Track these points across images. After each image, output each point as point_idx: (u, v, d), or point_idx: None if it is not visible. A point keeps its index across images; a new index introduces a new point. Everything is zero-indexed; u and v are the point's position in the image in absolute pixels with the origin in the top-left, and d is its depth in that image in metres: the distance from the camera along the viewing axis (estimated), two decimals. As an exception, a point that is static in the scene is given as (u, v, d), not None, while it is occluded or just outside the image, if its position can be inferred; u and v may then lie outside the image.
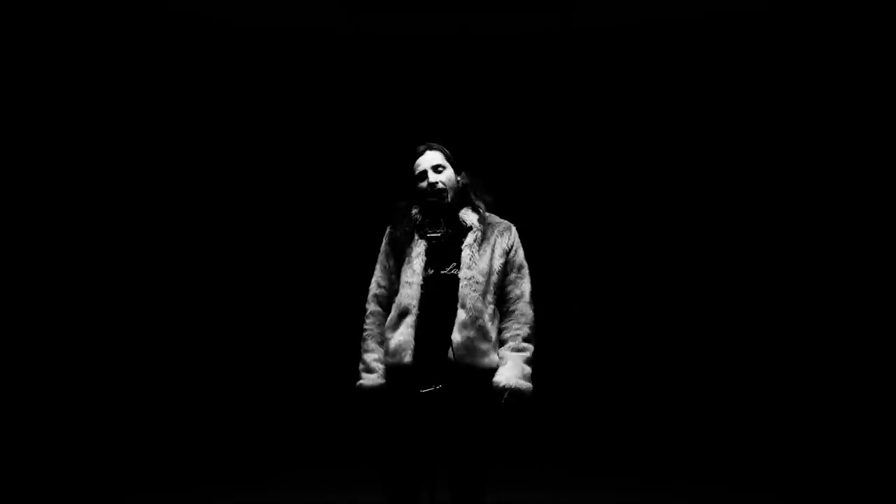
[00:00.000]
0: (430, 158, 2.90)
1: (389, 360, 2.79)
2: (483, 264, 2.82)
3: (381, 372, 2.84)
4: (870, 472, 4.59)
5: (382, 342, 2.86)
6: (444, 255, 2.82)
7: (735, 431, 5.12)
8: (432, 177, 2.87)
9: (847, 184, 5.11)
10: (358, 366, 2.88)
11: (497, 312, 2.85)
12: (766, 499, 4.44)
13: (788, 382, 5.15)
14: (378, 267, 2.97)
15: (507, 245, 2.90)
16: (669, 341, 5.35)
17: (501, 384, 2.73)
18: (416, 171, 2.90)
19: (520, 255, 2.92)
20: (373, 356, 2.87)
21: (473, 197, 2.95)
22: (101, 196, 5.20)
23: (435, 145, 2.94)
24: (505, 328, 2.85)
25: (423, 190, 2.87)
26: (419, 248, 2.85)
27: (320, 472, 4.95)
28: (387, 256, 2.94)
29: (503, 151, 5.36)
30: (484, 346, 2.76)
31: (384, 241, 2.97)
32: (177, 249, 5.35)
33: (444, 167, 2.90)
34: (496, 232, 2.90)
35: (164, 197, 5.36)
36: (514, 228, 2.96)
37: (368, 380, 2.84)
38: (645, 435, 5.23)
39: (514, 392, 2.73)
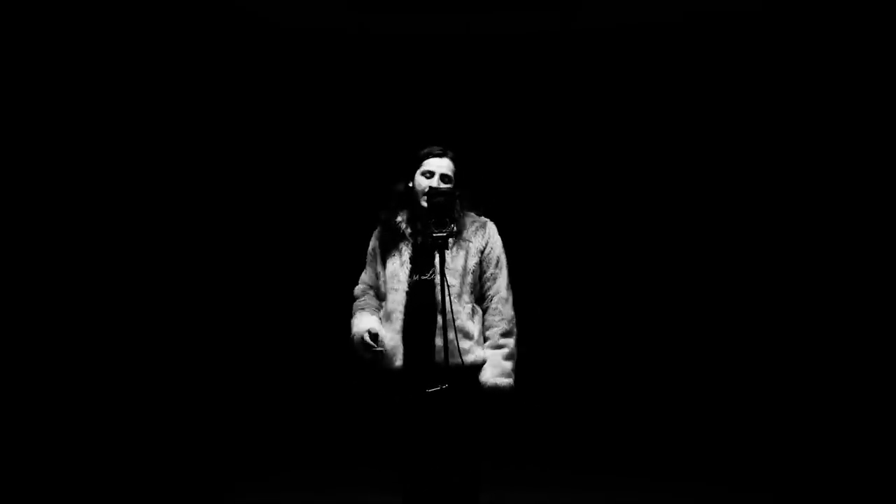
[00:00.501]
0: (443, 165, 2.98)
1: (382, 362, 2.91)
2: (458, 266, 2.91)
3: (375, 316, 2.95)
4: (869, 473, 4.59)
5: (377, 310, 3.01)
6: (425, 261, 2.92)
7: (735, 431, 5.13)
8: (436, 182, 2.94)
9: (846, 183, 5.11)
10: (350, 331, 2.99)
11: (477, 309, 2.96)
12: (765, 499, 4.45)
13: (787, 382, 5.15)
14: (367, 267, 3.10)
15: (482, 243, 2.98)
16: (670, 341, 5.36)
17: (484, 382, 2.86)
18: (426, 168, 2.97)
19: (496, 251, 3.00)
20: (366, 312, 2.99)
21: (456, 208, 3.00)
22: (100, 196, 5.17)
23: (451, 155, 3.01)
24: (486, 325, 2.95)
25: (423, 188, 2.92)
26: (405, 256, 2.95)
27: (321, 473, 4.94)
28: (374, 257, 3.06)
29: (506, 151, 5.36)
30: (465, 344, 2.87)
31: (372, 241, 3.07)
32: (179, 249, 5.33)
33: (450, 179, 2.97)
34: (470, 231, 2.98)
35: (163, 196, 5.34)
36: (489, 224, 3.03)
37: (360, 325, 2.94)
38: (645, 435, 5.24)
39: (494, 389, 2.86)
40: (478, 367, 2.88)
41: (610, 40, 5.28)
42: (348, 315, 3.10)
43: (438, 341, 2.79)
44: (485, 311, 2.96)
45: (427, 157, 2.98)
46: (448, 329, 2.76)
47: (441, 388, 2.79)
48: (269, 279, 5.42)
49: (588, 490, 4.65)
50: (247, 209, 5.46)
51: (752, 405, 5.16)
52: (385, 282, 2.98)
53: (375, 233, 3.07)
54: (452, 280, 2.87)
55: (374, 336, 2.88)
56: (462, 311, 2.87)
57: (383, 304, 2.98)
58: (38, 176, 4.92)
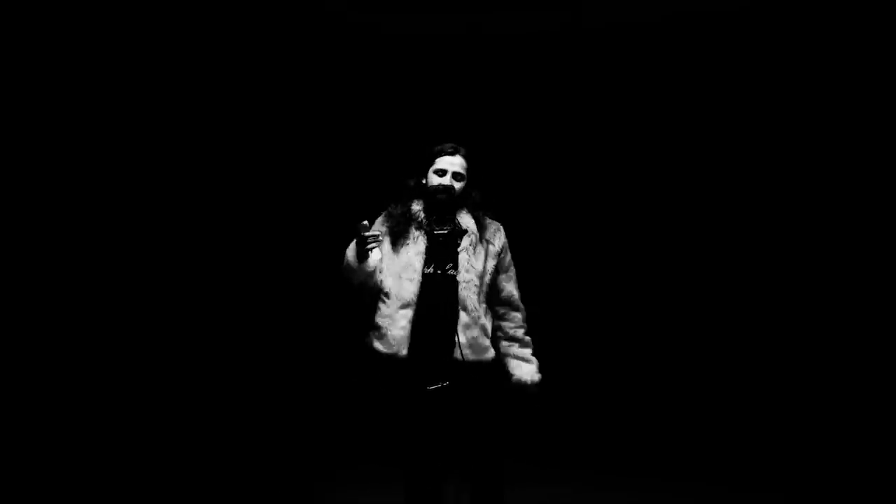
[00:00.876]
0: (456, 163, 3.02)
1: (385, 350, 2.91)
2: (479, 266, 2.97)
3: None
4: (870, 472, 4.60)
5: None
6: (442, 255, 2.96)
7: (735, 431, 5.14)
8: (448, 180, 2.99)
9: (846, 183, 5.13)
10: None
11: (488, 309, 3.03)
12: (766, 499, 4.45)
13: (788, 382, 5.17)
14: None
15: (500, 246, 3.06)
16: (669, 341, 5.37)
17: (526, 380, 2.99)
18: (438, 165, 3.01)
19: (509, 254, 3.10)
20: None
21: (471, 206, 3.07)
22: (101, 195, 5.18)
23: (463, 152, 3.05)
24: (505, 326, 3.05)
25: (434, 186, 2.98)
26: (419, 246, 2.96)
27: (321, 473, 4.94)
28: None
29: (510, 151, 5.37)
30: (485, 342, 2.95)
31: (379, 221, 3.05)
32: (195, 249, 5.33)
33: (463, 177, 3.02)
34: (488, 233, 3.05)
35: (164, 196, 5.34)
36: (502, 228, 3.12)
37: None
38: (645, 435, 5.25)
39: (530, 386, 2.99)
40: (492, 363, 2.96)
41: (617, 39, 5.28)
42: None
43: (462, 338, 2.87)
44: (503, 313, 3.05)
45: (440, 154, 3.02)
46: (473, 326, 2.88)
47: (441, 385, 2.82)
48: (268, 278, 5.41)
49: (588, 490, 4.65)
50: (252, 209, 5.45)
51: (753, 405, 5.17)
52: (391, 269, 2.96)
53: (381, 219, 3.06)
54: (476, 279, 2.94)
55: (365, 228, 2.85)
56: (481, 309, 2.95)
57: (385, 288, 2.96)
58: (38, 175, 4.93)
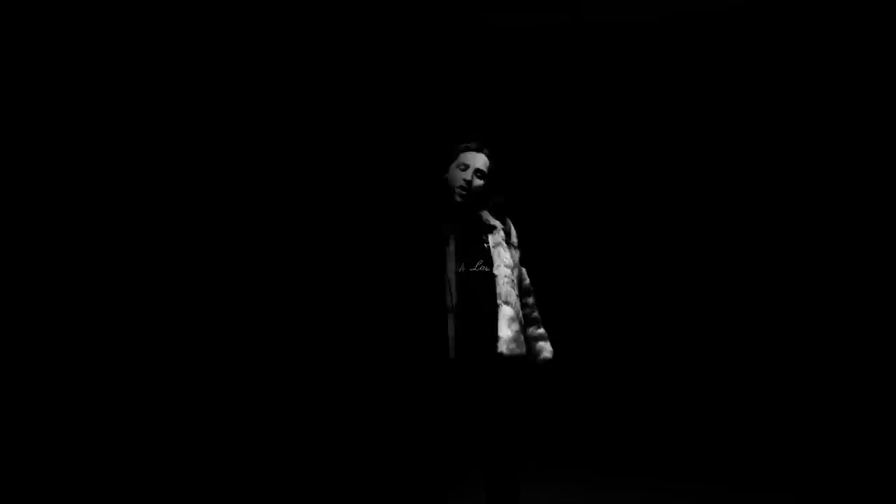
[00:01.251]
0: (480, 161, 3.03)
1: None
2: (510, 260, 3.01)
3: None
4: (870, 471, 4.61)
5: None
6: (470, 253, 2.96)
7: (735, 431, 5.14)
8: (471, 175, 2.99)
9: (847, 183, 5.14)
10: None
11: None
12: (766, 499, 4.46)
13: (788, 382, 5.17)
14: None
15: (516, 240, 3.13)
16: (670, 341, 5.37)
17: (548, 357, 3.11)
18: (462, 160, 3.02)
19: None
20: None
21: (491, 207, 3.13)
22: (101, 194, 5.15)
23: (487, 151, 3.07)
24: (527, 312, 3.10)
25: (457, 182, 2.98)
26: (450, 249, 2.96)
27: (323, 476, 4.93)
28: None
29: (510, 150, 5.35)
30: (521, 336, 2.98)
31: (448, 241, 2.99)
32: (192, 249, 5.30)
33: (485, 175, 3.02)
34: (508, 229, 3.11)
35: (165, 196, 5.30)
36: (510, 221, 3.16)
37: None
38: (645, 435, 5.25)
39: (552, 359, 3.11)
40: (526, 354, 3.00)
41: (617, 38, 5.28)
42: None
43: (507, 332, 2.88)
44: (524, 301, 3.09)
45: (464, 150, 3.03)
46: (515, 319, 2.91)
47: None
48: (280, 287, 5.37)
49: (588, 490, 4.65)
50: (254, 211, 5.41)
51: (753, 405, 5.18)
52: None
53: (451, 238, 3.01)
54: (512, 273, 2.98)
55: None
56: (518, 303, 2.98)
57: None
58: (38, 175, 4.90)
